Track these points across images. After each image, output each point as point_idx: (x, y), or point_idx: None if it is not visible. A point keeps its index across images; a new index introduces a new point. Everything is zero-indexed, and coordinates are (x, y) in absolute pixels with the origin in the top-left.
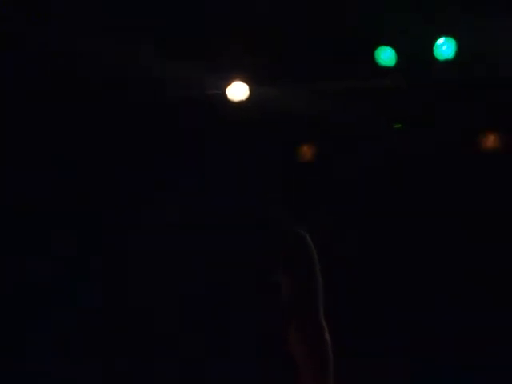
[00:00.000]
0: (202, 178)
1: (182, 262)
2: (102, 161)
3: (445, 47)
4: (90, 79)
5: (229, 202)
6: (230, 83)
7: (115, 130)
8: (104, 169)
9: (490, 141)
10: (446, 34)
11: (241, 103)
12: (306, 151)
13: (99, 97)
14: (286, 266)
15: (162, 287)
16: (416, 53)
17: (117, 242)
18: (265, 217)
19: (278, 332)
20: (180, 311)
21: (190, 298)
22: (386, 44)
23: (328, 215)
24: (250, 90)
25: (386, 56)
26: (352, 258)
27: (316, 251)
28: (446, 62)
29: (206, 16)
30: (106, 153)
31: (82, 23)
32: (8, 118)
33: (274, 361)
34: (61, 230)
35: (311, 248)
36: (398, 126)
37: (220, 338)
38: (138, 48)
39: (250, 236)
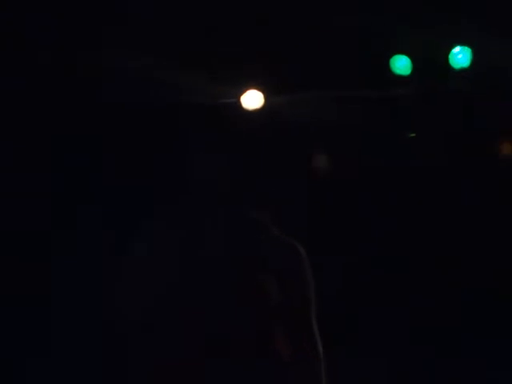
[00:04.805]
0: (216, 184)
1: (173, 262)
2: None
3: (460, 56)
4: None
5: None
6: (245, 92)
7: (128, 137)
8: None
9: (506, 149)
10: (462, 42)
11: (255, 111)
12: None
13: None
14: (278, 274)
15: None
16: (431, 61)
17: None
18: (263, 222)
19: (264, 332)
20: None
21: (178, 297)
22: (402, 53)
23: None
24: (265, 99)
25: (401, 64)
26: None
27: (309, 262)
28: (462, 71)
29: (221, 26)
30: (116, 158)
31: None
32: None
33: (261, 361)
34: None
35: (304, 258)
36: (413, 134)
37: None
38: (150, 58)
39: (245, 238)
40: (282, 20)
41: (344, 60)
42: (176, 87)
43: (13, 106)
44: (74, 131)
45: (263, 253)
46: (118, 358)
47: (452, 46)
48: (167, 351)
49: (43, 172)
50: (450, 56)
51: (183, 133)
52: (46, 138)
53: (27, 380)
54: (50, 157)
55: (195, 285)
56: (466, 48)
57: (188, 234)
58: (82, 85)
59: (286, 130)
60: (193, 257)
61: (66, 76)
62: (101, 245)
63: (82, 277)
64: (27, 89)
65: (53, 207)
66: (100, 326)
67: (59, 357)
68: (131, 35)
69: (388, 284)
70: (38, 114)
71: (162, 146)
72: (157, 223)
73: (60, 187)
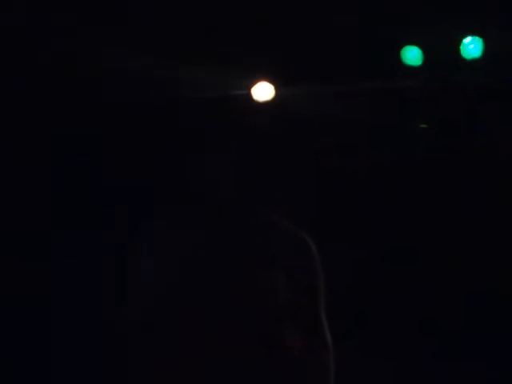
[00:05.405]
0: (225, 176)
1: (185, 259)
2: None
3: (472, 46)
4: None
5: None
6: (255, 83)
7: (128, 137)
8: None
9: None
10: (473, 32)
11: (266, 103)
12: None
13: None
14: (287, 269)
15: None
16: (442, 52)
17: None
18: (272, 218)
19: (273, 330)
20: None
21: (188, 294)
22: (413, 43)
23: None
24: (276, 90)
25: (412, 55)
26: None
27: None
28: (473, 61)
29: (228, 18)
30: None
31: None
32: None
33: (269, 359)
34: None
35: (314, 253)
36: (424, 126)
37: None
38: (151, 58)
39: (255, 234)
40: (292, 10)
41: (354, 51)
42: (182, 82)
43: (13, 106)
44: (74, 131)
45: (273, 249)
46: (121, 358)
47: (463, 37)
48: (173, 352)
49: (43, 172)
50: (462, 46)
51: (188, 128)
52: (46, 137)
53: (27, 380)
54: (49, 157)
55: (202, 284)
56: (478, 38)
57: (193, 233)
58: (82, 85)
59: (296, 123)
60: (198, 256)
61: (66, 76)
62: (101, 245)
63: (82, 277)
64: (27, 89)
65: (53, 207)
66: (100, 326)
67: (59, 357)
68: (131, 35)
69: (396, 279)
70: (38, 113)
71: (162, 145)
72: (158, 223)
73: (60, 187)
